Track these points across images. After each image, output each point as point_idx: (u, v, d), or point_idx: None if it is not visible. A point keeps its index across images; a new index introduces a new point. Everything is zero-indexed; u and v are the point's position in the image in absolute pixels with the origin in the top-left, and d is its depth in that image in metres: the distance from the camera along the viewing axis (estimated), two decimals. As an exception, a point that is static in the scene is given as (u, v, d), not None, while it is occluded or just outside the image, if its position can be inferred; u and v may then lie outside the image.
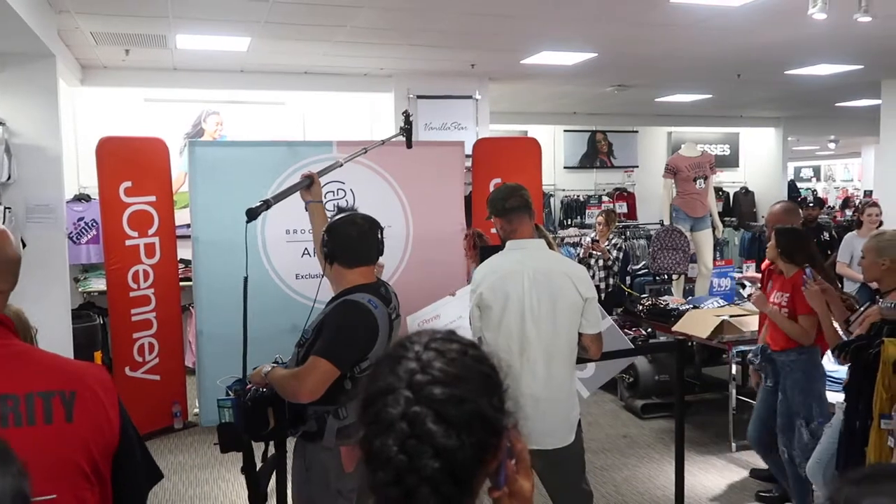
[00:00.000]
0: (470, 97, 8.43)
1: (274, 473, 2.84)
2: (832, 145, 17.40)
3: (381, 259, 2.84)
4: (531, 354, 3.00)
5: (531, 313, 3.00)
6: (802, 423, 4.05)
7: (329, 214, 2.88)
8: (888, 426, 3.03)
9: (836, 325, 3.86)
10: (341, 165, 3.29)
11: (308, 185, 3.00)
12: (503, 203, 3.12)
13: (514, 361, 2.92)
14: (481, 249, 3.76)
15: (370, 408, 1.00)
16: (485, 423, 1.00)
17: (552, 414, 3.05)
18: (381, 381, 1.01)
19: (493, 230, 3.36)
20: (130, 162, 5.92)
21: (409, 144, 3.50)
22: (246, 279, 2.84)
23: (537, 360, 3.01)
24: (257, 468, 2.81)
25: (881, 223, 6.71)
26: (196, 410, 6.22)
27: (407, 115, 3.53)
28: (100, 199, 5.94)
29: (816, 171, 21.81)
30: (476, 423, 0.99)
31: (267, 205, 2.84)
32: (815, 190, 19.74)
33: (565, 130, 12.57)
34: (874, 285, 3.67)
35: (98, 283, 7.12)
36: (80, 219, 7.42)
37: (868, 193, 14.12)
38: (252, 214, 2.77)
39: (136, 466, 1.66)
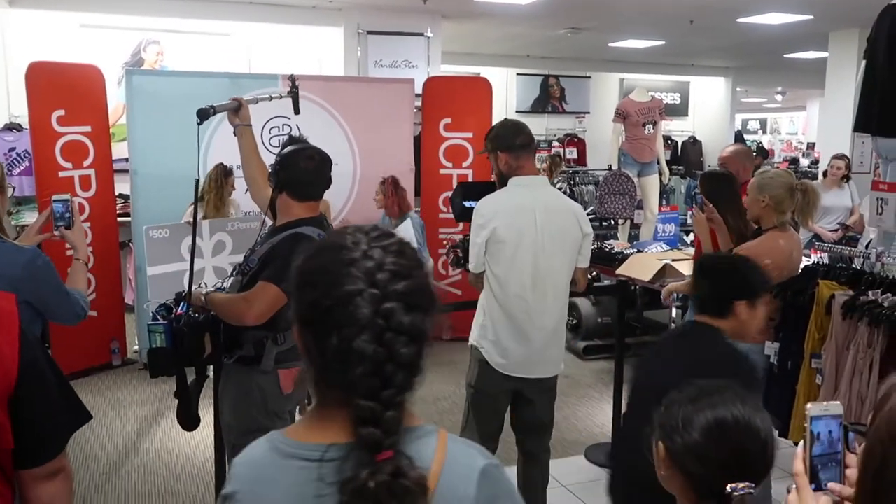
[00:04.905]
0: (421, 34, 8.23)
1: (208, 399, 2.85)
2: (779, 97, 17.65)
3: (325, 197, 2.84)
4: (542, 288, 3.09)
5: (542, 248, 3.08)
6: None
7: (262, 141, 2.87)
8: (818, 365, 3.12)
9: None
10: (257, 102, 3.30)
11: (236, 108, 2.99)
12: (513, 139, 3.13)
13: (527, 296, 3.06)
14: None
15: (338, 311, 1.04)
16: (435, 301, 1.11)
17: (557, 343, 3.22)
18: (344, 286, 1.05)
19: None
20: (63, 89, 5.64)
21: (296, 110, 3.47)
22: (197, 181, 2.97)
23: (547, 293, 3.11)
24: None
25: (847, 177, 6.97)
26: (136, 348, 6.12)
27: (293, 80, 3.49)
28: (30, 127, 5.67)
29: (763, 123, 22.14)
30: (432, 304, 1.10)
31: (213, 109, 2.89)
32: (760, 142, 20.09)
33: (518, 74, 12.47)
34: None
35: (31, 217, 6.84)
36: (12, 149, 7.09)
37: (811, 146, 14.43)
38: (203, 115, 2.82)
39: (50, 406, 1.53)
